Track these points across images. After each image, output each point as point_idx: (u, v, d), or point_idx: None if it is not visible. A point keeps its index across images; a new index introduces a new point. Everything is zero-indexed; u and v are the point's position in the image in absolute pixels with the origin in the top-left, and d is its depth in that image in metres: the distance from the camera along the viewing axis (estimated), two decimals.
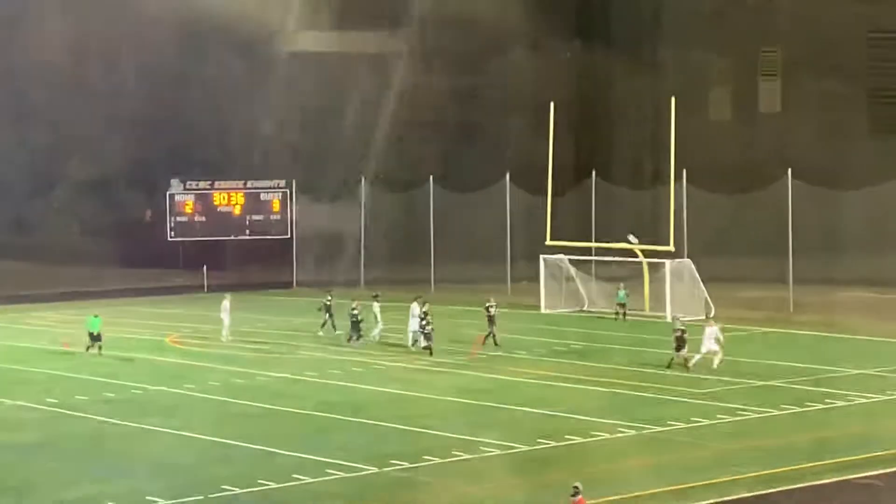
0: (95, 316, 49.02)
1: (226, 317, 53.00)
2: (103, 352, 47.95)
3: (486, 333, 49.60)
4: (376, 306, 51.59)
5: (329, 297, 54.12)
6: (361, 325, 50.16)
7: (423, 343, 48.13)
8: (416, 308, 49.36)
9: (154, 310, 65.01)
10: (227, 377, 43.71)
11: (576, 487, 23.36)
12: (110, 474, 30.63)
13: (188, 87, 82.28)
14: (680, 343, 43.48)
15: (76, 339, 50.35)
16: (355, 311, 50.21)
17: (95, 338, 48.16)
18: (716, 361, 42.86)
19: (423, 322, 48.23)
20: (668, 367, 43.04)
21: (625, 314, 57.82)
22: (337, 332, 52.45)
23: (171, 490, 28.70)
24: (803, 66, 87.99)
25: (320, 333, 53.33)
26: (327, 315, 53.42)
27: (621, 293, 58.29)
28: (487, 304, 50.42)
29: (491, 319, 49.81)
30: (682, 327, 44.09)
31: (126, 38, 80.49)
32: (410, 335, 49.34)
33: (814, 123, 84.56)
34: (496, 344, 49.13)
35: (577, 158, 76.73)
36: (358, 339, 50.01)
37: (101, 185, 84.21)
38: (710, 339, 43.37)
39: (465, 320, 54.61)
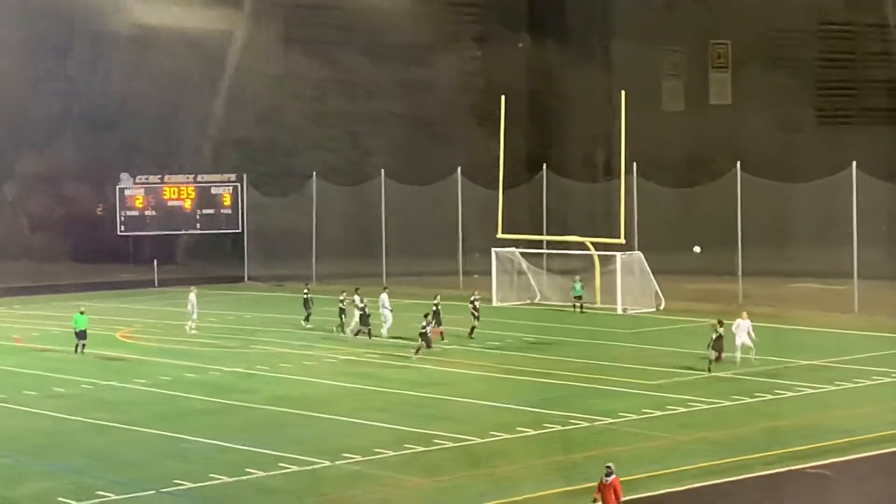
0: (81, 313, 48.06)
1: (192, 310, 52.90)
2: (87, 351, 47.24)
3: (472, 327, 49.74)
4: (358, 299, 51.81)
5: (306, 290, 54.46)
6: (369, 318, 50.13)
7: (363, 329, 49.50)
8: (357, 300, 50.38)
9: (104, 304, 64.60)
10: (178, 372, 43.52)
11: (609, 467, 24.15)
12: (60, 470, 30.44)
13: (138, 81, 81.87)
14: (718, 347, 42.04)
15: (26, 334, 49.96)
16: (362, 305, 50.16)
17: (81, 335, 47.34)
18: (751, 356, 42.32)
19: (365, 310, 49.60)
20: (709, 370, 41.50)
21: (581, 307, 57.96)
22: (308, 326, 53.02)
23: (123, 485, 28.56)
24: (754, 59, 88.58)
25: (308, 326, 53.60)
26: (308, 307, 54.06)
27: (577, 286, 58.43)
28: (473, 298, 50.48)
29: (476, 313, 49.89)
30: (721, 331, 42.27)
31: (75, 33, 79.96)
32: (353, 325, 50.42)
33: (764, 115, 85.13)
34: (471, 337, 49.09)
35: (530, 152, 76.89)
36: (367, 333, 49.86)
37: (51, 179, 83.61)
38: (744, 333, 42.71)
39: (417, 313, 54.53)
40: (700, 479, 28.28)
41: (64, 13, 78.24)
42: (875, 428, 33.06)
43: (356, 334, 50.20)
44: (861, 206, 56.05)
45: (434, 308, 49.07)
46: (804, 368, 41.85)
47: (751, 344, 42.52)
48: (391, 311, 50.67)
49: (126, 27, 79.66)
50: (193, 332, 52.56)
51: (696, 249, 57.50)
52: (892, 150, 73.28)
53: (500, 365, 43.92)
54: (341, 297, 51.99)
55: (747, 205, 59.78)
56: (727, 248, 60.32)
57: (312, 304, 54.28)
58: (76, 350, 47.17)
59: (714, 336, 42.03)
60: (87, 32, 79.43)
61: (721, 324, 42.29)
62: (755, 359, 42.24)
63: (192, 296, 53.42)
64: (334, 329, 52.05)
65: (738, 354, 42.38)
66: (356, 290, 52.51)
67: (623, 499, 24.25)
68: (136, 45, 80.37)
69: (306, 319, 54.15)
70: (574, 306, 58.11)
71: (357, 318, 50.84)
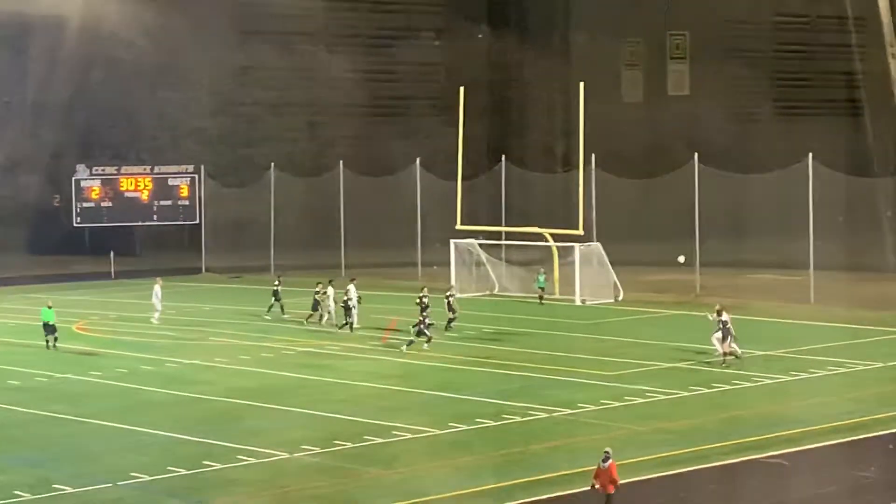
0: (49, 307, 47.27)
1: (157, 302, 52.64)
2: (58, 344, 46.65)
3: (448, 319, 49.38)
4: (331, 290, 51.89)
5: (277, 282, 54.43)
6: (353, 311, 49.65)
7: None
8: (332, 291, 51.02)
9: (61, 296, 64.11)
10: (135, 364, 43.30)
11: (606, 452, 24.42)
12: (16, 463, 30.24)
13: (94, 72, 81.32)
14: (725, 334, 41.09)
15: None
16: (347, 298, 49.77)
17: (50, 329, 46.67)
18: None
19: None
20: (725, 364, 40.72)
21: (542, 298, 57.94)
22: (284, 315, 53.13)
23: (80, 478, 28.41)
24: (711, 50, 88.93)
25: (267, 317, 53.42)
26: (274, 299, 53.85)
27: (541, 278, 58.43)
28: (448, 294, 50.31)
29: (450, 306, 49.55)
30: (726, 319, 41.32)
31: (29, 23, 79.30)
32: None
33: (721, 107, 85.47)
34: (448, 329, 48.89)
35: (489, 143, 76.92)
36: (351, 326, 49.56)
37: (6, 170, 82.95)
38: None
39: (375, 305, 54.49)
40: (658, 469, 28.40)
41: (16, 2, 77.60)
42: (830, 418, 33.29)
43: (341, 327, 49.75)
44: (817, 197, 56.37)
45: (447, 300, 48.81)
46: (761, 359, 42.05)
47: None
48: (359, 302, 50.27)
49: (81, 16, 79.07)
50: (156, 323, 52.32)
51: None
52: (848, 140, 73.84)
53: (459, 356, 43.92)
54: (317, 289, 51.84)
55: (705, 196, 60.00)
56: (685, 239, 60.56)
57: (281, 296, 54.04)
58: (48, 345, 46.56)
59: (719, 325, 41.01)
60: (41, 22, 78.78)
61: (720, 313, 41.33)
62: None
63: (158, 287, 53.17)
64: (305, 321, 51.81)
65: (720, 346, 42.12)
66: (329, 281, 52.53)
67: (619, 482, 24.47)
68: (92, 35, 79.79)
69: (269, 311, 53.95)
70: (541, 297, 58.00)
71: (331, 310, 50.85)
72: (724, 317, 41.31)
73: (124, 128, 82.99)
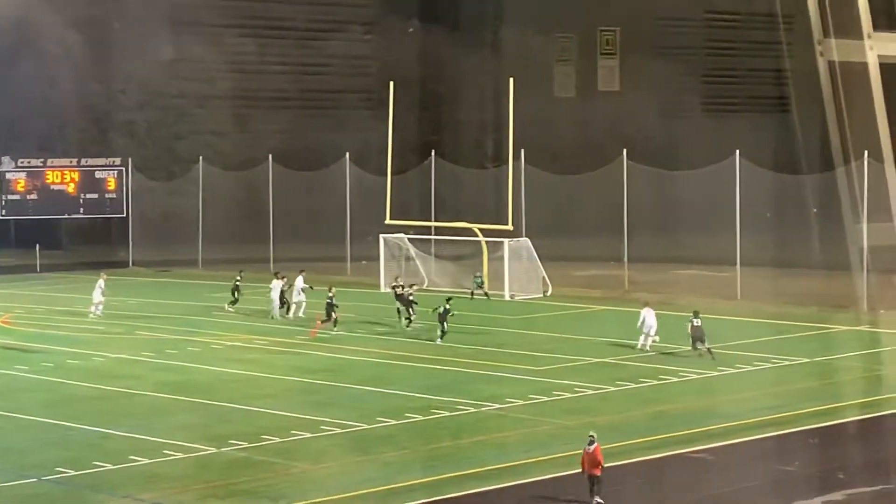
0: None
1: (98, 294, 52.03)
2: None
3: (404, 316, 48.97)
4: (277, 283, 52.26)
5: (239, 277, 54.11)
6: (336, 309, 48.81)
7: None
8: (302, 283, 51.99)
9: None
10: (61, 358, 42.90)
11: (591, 436, 25.54)
12: None
13: (20, 62, 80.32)
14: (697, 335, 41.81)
15: None
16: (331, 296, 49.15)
17: None
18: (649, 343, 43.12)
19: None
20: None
21: (473, 294, 57.72)
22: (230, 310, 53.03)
23: (4, 473, 28.14)
24: (641, 46, 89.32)
25: (230, 310, 53.16)
26: (236, 294, 53.55)
27: (478, 280, 58.38)
28: (407, 289, 50.04)
29: (402, 298, 49.19)
30: (699, 323, 41.91)
31: None
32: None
33: (650, 103, 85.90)
34: (406, 328, 48.65)
35: (419, 138, 76.86)
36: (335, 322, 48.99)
37: None
38: (652, 319, 42.86)
39: (308, 300, 54.34)
40: None
41: None
42: (756, 413, 33.63)
43: (324, 322, 49.08)
44: (744, 194, 56.88)
45: (329, 300, 48.55)
46: (688, 354, 42.35)
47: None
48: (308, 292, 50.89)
49: (9, 7, 78.11)
50: (94, 317, 51.66)
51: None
52: (775, 138, 74.41)
53: (388, 351, 43.91)
54: (283, 281, 52.19)
55: (633, 192, 60.36)
56: (613, 235, 60.88)
57: (241, 291, 53.67)
58: None
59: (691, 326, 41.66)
60: None
61: (696, 315, 42.03)
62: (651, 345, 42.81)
63: (101, 281, 52.61)
64: (276, 316, 51.53)
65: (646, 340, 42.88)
66: (301, 272, 52.81)
67: (604, 465, 25.50)
68: (19, 26, 78.86)
69: (231, 304, 53.58)
70: (486, 294, 57.70)
71: (294, 304, 51.16)
72: (696, 321, 41.80)
73: (50, 120, 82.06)
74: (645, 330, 42.95)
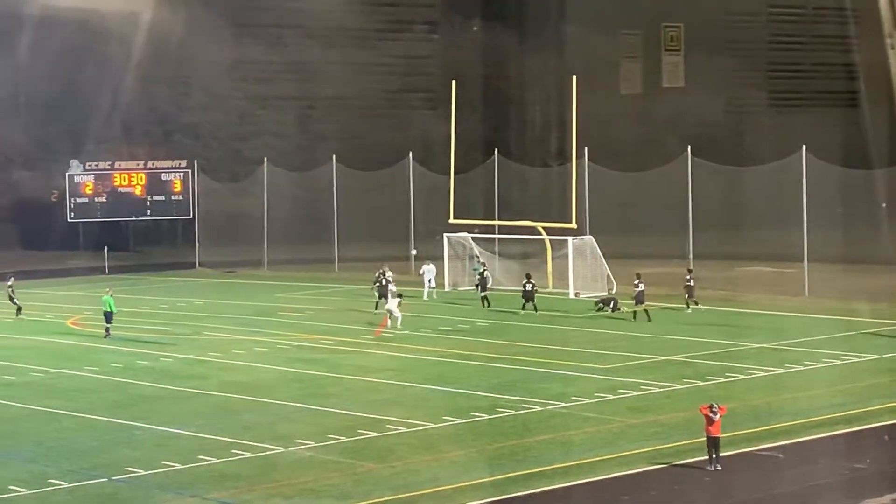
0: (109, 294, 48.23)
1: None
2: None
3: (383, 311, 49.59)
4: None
5: (380, 272, 54.00)
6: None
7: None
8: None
9: (55, 292, 64.15)
10: (129, 359, 43.25)
11: (711, 406, 27.93)
12: (12, 458, 30.18)
13: (87, 67, 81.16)
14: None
15: None
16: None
17: (109, 317, 47.41)
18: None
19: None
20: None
21: (524, 305, 57.22)
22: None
23: (75, 473, 28.38)
24: (705, 42, 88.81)
25: (376, 312, 52.59)
26: (379, 294, 53.05)
27: (479, 267, 58.40)
28: (380, 276, 51.22)
29: (382, 289, 50.99)
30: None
31: (23, 17, 79.11)
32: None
33: (715, 99, 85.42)
34: (390, 327, 48.86)
35: (482, 136, 76.86)
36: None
37: (0, 166, 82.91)
38: (432, 275, 44.29)
39: (370, 299, 54.45)
40: (651, 462, 28.40)
41: None
42: (825, 410, 33.33)
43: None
44: (811, 190, 56.39)
45: (378, 283, 49.48)
46: (755, 351, 42.06)
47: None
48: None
49: (73, 11, 78.88)
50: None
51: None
52: (842, 132, 73.76)
53: (453, 350, 43.91)
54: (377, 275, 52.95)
55: (698, 188, 60.00)
56: (678, 232, 60.55)
57: (380, 288, 53.13)
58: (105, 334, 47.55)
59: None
60: (33, 17, 78.60)
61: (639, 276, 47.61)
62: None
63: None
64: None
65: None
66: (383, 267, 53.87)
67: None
68: (84, 30, 79.63)
69: (376, 306, 52.82)
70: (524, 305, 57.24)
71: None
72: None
73: (117, 123, 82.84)
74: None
